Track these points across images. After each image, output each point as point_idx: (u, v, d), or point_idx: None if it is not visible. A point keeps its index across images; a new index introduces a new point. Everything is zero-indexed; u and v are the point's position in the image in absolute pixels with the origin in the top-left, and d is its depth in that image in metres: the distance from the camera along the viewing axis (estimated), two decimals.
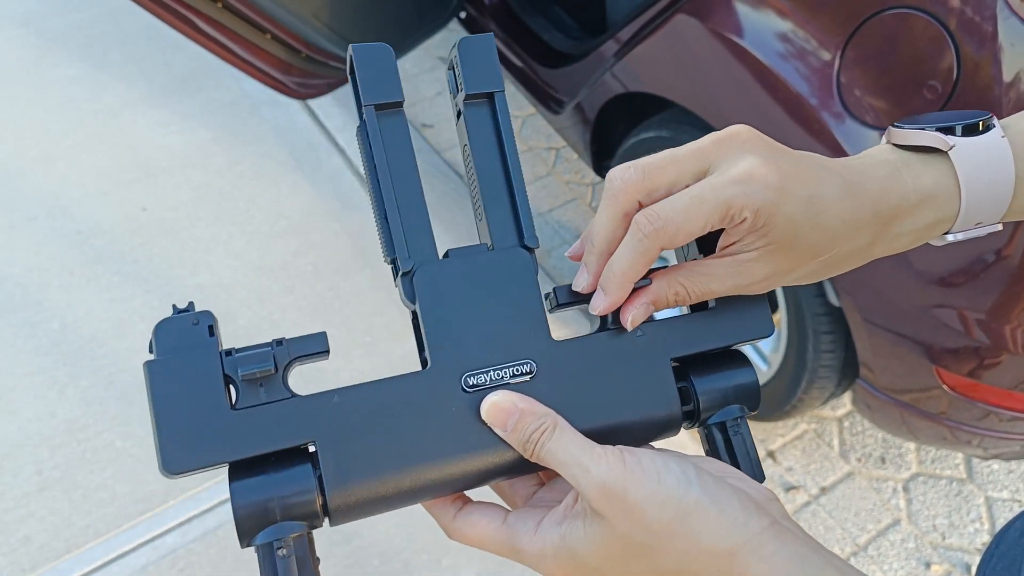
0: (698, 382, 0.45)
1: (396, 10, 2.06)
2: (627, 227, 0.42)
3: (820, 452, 1.92)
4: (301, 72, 2.02)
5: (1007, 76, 1.11)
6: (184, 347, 0.39)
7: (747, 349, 1.79)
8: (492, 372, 0.42)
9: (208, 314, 0.40)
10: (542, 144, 2.75)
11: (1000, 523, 1.78)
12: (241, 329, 2.01)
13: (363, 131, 0.44)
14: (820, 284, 1.48)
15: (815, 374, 1.61)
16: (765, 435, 1.95)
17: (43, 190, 2.43)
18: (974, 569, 1.07)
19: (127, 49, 2.97)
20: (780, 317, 1.65)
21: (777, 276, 0.44)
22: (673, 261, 0.48)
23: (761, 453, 1.91)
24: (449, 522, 0.43)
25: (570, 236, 2.42)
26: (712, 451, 0.46)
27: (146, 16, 2.27)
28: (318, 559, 0.40)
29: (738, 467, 0.45)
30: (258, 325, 2.02)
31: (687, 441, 1.82)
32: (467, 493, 0.43)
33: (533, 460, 0.40)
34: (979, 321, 1.24)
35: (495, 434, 0.41)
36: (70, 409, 1.86)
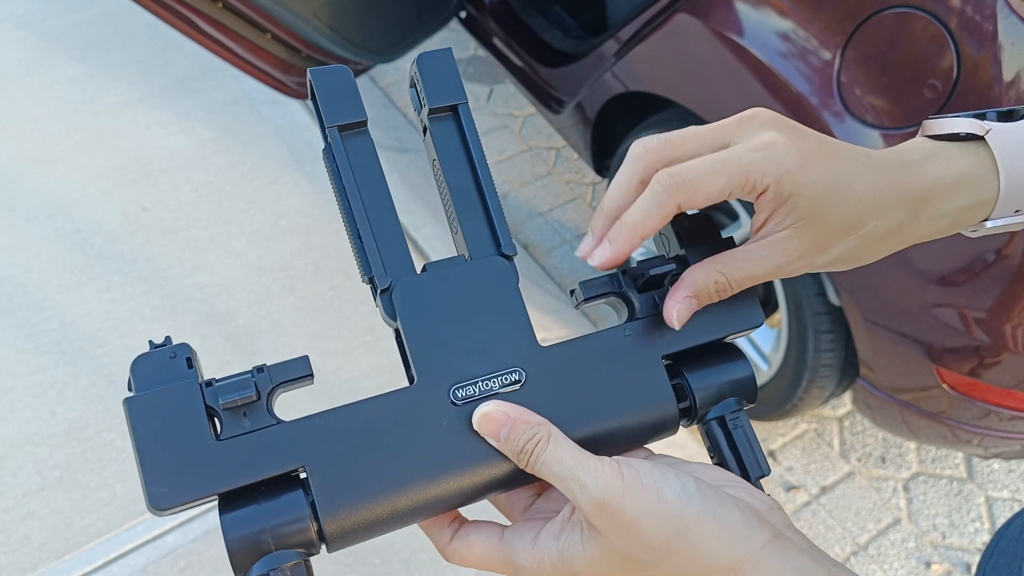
0: (692, 378, 0.44)
1: (396, 10, 2.06)
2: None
3: (820, 452, 1.92)
4: (301, 72, 2.02)
5: (1007, 75, 1.11)
6: (163, 381, 0.38)
7: (748, 349, 1.79)
8: (480, 383, 0.41)
9: (185, 347, 0.40)
10: (542, 144, 2.75)
11: (1000, 522, 1.78)
12: (241, 329, 2.01)
13: (329, 153, 0.44)
14: (820, 283, 1.48)
15: (815, 373, 1.61)
16: (765, 435, 1.95)
17: (43, 190, 2.43)
18: (974, 569, 1.07)
19: (127, 50, 2.97)
20: (780, 316, 1.65)
21: (814, 254, 0.43)
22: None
23: None
24: (445, 545, 0.42)
25: (570, 236, 2.42)
26: (714, 447, 0.45)
27: (146, 16, 2.27)
28: None
29: (741, 461, 0.44)
30: (258, 325, 2.02)
31: (687, 441, 1.83)
32: (464, 510, 0.43)
33: (528, 471, 0.40)
34: (979, 320, 1.24)
35: (488, 446, 0.40)
36: (70, 408, 1.86)
